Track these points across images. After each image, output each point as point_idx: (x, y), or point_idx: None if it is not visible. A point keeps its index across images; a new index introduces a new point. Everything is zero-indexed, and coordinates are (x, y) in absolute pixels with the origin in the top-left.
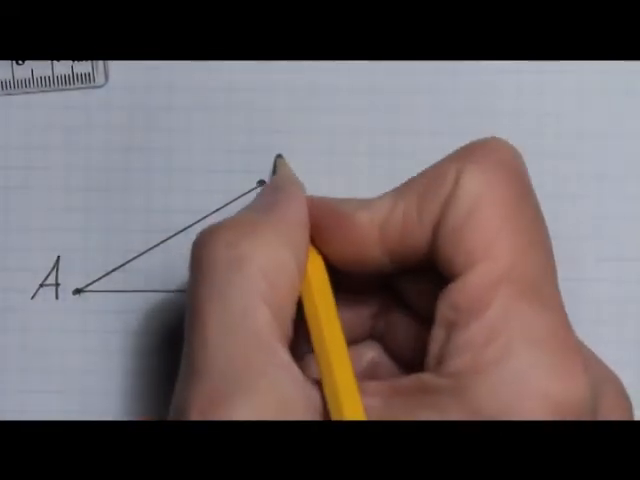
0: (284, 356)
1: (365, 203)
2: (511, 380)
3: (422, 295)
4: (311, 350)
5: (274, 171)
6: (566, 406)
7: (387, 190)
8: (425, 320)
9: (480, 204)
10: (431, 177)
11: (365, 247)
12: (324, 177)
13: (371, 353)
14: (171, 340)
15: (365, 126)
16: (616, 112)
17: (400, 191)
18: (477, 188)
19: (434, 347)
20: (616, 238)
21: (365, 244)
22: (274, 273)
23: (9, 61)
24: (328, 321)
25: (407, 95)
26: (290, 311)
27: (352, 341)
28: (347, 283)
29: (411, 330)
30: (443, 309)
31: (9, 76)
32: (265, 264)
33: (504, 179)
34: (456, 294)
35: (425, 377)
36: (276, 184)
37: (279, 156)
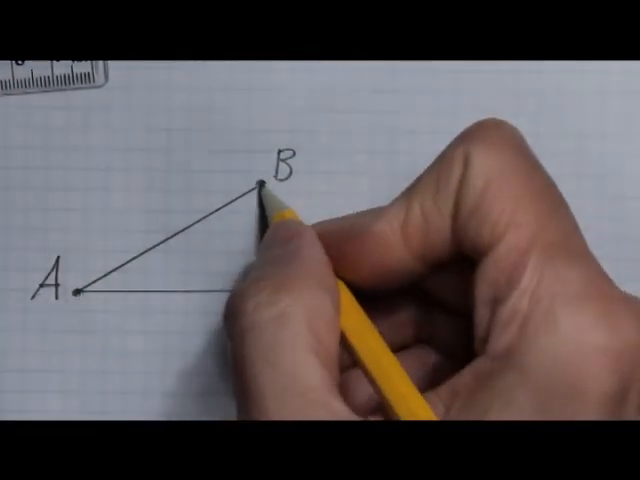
0: (339, 407)
1: (377, 213)
2: (565, 342)
3: (457, 291)
4: (350, 364)
5: (260, 202)
6: (625, 354)
7: (387, 190)
8: (466, 313)
9: (493, 178)
10: (439, 167)
11: (390, 255)
12: (324, 177)
13: (423, 356)
14: (171, 340)
15: (365, 126)
16: (616, 112)
17: (412, 190)
18: (487, 164)
19: (480, 329)
20: (616, 238)
21: (390, 252)
22: (317, 323)
23: (9, 61)
24: (371, 343)
25: (407, 95)
26: (336, 352)
27: (401, 347)
28: (376, 299)
29: (455, 326)
30: (481, 288)
31: (9, 76)
32: (308, 316)
33: (511, 152)
34: (490, 269)
35: (478, 365)
36: (280, 231)
37: (262, 184)
